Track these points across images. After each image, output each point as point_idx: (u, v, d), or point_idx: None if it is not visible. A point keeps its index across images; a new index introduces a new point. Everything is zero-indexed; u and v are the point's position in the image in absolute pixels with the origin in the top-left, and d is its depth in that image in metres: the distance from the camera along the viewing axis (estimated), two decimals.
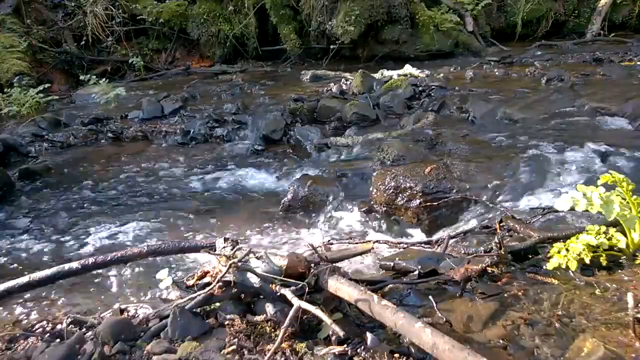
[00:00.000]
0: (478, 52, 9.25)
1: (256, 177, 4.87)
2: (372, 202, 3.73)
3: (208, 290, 1.96)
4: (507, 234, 2.84)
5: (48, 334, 2.12)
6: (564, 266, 2.17)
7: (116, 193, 4.65)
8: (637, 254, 2.28)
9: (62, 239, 3.83)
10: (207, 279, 2.03)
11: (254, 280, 1.95)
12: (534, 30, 10.47)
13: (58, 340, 2.03)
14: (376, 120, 5.60)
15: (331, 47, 8.98)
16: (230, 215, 4.09)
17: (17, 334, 2.13)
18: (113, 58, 9.31)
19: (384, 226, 3.64)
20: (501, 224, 2.90)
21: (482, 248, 2.61)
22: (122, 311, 2.29)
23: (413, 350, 1.76)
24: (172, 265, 3.14)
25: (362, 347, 1.81)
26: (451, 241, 2.94)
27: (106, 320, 2.03)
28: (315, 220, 3.83)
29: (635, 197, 2.26)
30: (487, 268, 2.25)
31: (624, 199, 2.27)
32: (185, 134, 5.85)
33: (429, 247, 2.95)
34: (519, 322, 1.91)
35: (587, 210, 2.27)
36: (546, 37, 10.17)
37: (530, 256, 2.44)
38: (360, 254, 2.35)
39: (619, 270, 2.22)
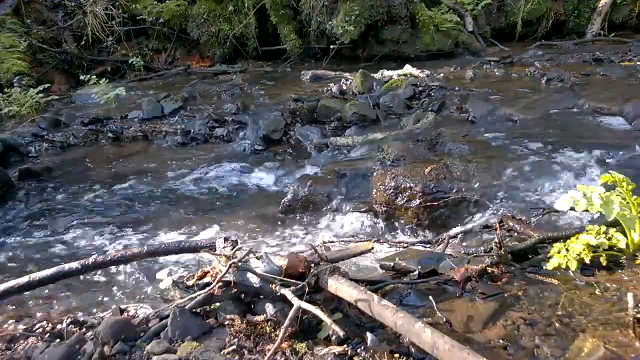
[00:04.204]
0: (478, 52, 9.25)
1: (256, 177, 4.87)
2: (372, 202, 3.73)
3: (208, 290, 1.96)
4: (507, 234, 2.84)
5: (48, 334, 2.12)
6: (564, 266, 2.17)
7: (116, 193, 4.64)
8: (637, 254, 2.28)
9: (62, 239, 3.84)
10: (207, 279, 2.03)
11: (254, 280, 1.95)
12: (534, 30, 10.47)
13: (58, 340, 2.03)
14: (376, 120, 5.60)
15: (331, 47, 8.97)
16: (230, 215, 4.09)
17: (17, 334, 2.13)
18: (113, 58, 9.30)
19: (384, 226, 3.64)
20: (501, 224, 2.90)
21: (482, 248, 2.61)
22: (122, 311, 2.29)
23: (413, 350, 1.76)
24: (172, 265, 3.14)
25: (362, 347, 1.81)
26: (451, 241, 2.94)
27: (106, 320, 2.03)
28: (315, 220, 3.83)
29: (635, 197, 2.27)
30: (487, 268, 2.25)
31: (624, 199, 2.27)
32: (185, 134, 5.85)
33: (428, 247, 2.95)
34: (519, 322, 1.92)
35: (587, 210, 2.27)
36: (546, 37, 10.17)
37: (530, 256, 2.44)
38: (360, 254, 2.35)
39: (619, 270, 2.22)
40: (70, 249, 3.69)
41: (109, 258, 2.32)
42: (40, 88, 6.80)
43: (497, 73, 7.07)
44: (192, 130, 5.86)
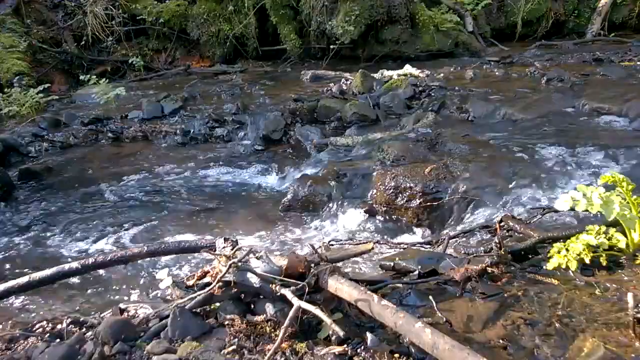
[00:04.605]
0: (478, 52, 9.26)
1: (256, 177, 4.87)
2: (372, 202, 3.73)
3: (208, 290, 1.96)
4: (507, 234, 2.84)
5: (48, 334, 2.12)
6: (564, 266, 2.17)
7: (116, 193, 4.64)
8: (637, 254, 2.28)
9: (62, 239, 3.84)
10: (207, 279, 2.03)
11: (254, 280, 1.95)
12: (534, 30, 10.48)
13: (58, 340, 2.03)
14: (376, 120, 5.60)
15: (331, 47, 8.98)
16: (230, 215, 4.09)
17: (17, 334, 2.13)
18: (113, 58, 9.30)
19: (384, 226, 3.64)
20: (501, 224, 2.90)
21: (482, 248, 2.61)
22: (122, 311, 2.29)
23: (413, 350, 1.76)
24: (172, 265, 3.14)
25: (362, 347, 1.81)
26: (451, 241, 2.94)
27: (106, 320, 2.03)
28: (315, 220, 3.83)
29: (635, 197, 2.26)
30: (487, 268, 2.25)
31: (624, 199, 2.27)
32: (185, 134, 5.85)
33: (429, 247, 2.95)
34: (519, 322, 1.91)
35: (587, 210, 2.27)
36: (546, 37, 10.18)
37: (530, 256, 2.44)
38: (360, 254, 2.35)
39: (619, 270, 2.22)
40: (70, 248, 3.69)
41: (109, 258, 2.32)
42: (40, 88, 6.80)
43: (497, 73, 7.07)
44: (192, 130, 5.86)
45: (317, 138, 5.36)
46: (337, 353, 1.78)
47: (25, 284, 2.25)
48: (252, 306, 2.05)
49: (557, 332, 1.84)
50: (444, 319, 1.94)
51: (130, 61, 8.99)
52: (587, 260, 2.16)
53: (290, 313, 1.75)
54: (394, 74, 7.02)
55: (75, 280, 2.97)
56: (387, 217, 3.65)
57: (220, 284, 1.95)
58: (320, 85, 7.09)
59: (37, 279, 2.25)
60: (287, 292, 1.86)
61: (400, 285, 2.24)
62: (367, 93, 6.19)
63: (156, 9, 9.36)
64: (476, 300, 2.07)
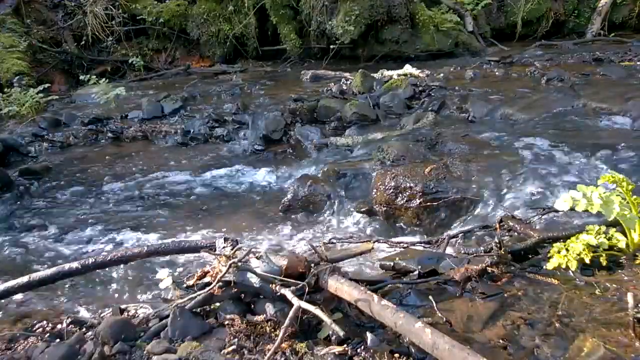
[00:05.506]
0: (478, 52, 9.26)
1: (256, 177, 4.87)
2: (372, 202, 3.73)
3: (208, 290, 1.96)
4: (507, 234, 2.84)
5: (48, 334, 2.13)
6: (564, 266, 2.17)
7: (116, 193, 4.64)
8: (637, 254, 2.28)
9: (62, 239, 3.84)
10: (207, 279, 2.03)
11: (254, 280, 1.96)
12: (534, 30, 10.48)
13: (58, 340, 2.03)
14: (376, 120, 5.60)
15: (331, 47, 8.98)
16: (230, 215, 4.09)
17: (17, 334, 2.13)
18: (113, 58, 9.30)
19: (384, 226, 3.64)
20: (501, 224, 2.90)
21: (482, 248, 2.61)
22: (122, 311, 2.29)
23: (413, 350, 1.77)
24: (172, 265, 3.14)
25: (362, 347, 1.81)
26: (451, 241, 2.94)
27: (106, 320, 2.03)
28: (315, 220, 3.83)
29: (635, 197, 2.26)
30: (487, 268, 2.25)
31: (624, 199, 2.27)
32: (185, 134, 5.85)
33: (429, 247, 2.95)
34: (519, 322, 1.92)
35: (587, 210, 2.27)
36: (546, 37, 10.17)
37: (530, 256, 2.44)
38: (360, 254, 2.35)
39: (619, 270, 2.22)
40: (70, 248, 3.69)
41: (109, 258, 2.32)
42: (40, 88, 6.79)
43: (497, 73, 7.06)
44: (192, 130, 5.86)
45: (317, 138, 5.36)
46: (337, 353, 1.78)
47: (25, 284, 2.25)
48: (252, 306, 2.06)
49: (557, 332, 1.84)
50: (444, 319, 1.95)
51: (130, 61, 8.99)
52: (587, 260, 2.16)
53: (290, 313, 1.75)
54: (394, 74, 7.01)
55: (75, 280, 2.97)
56: (387, 217, 3.65)
57: (220, 284, 1.95)
58: (320, 85, 7.08)
59: (37, 279, 2.25)
60: (287, 292, 1.86)
61: (400, 285, 2.24)
62: (367, 93, 6.19)
63: (156, 9, 9.37)
64: (476, 300, 2.07)
